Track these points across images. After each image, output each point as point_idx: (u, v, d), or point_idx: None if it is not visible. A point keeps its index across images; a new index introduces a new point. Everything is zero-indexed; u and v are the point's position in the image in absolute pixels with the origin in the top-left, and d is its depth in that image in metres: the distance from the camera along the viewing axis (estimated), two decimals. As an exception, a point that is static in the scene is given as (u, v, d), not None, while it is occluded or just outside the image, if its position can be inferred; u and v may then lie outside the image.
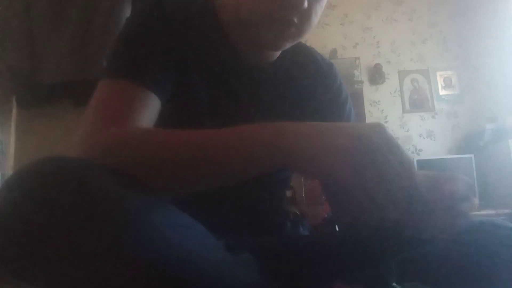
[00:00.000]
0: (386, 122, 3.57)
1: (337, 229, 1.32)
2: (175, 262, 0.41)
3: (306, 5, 0.66)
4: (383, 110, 3.60)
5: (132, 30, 0.72)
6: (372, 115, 3.57)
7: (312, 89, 0.84)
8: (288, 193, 2.41)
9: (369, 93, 3.61)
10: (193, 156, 0.51)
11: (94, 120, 0.61)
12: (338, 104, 0.87)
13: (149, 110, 0.65)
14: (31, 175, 0.43)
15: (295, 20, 0.67)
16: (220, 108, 0.74)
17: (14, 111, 1.59)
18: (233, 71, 0.76)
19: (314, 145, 0.46)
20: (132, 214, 0.42)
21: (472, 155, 3.22)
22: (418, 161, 3.25)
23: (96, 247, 0.39)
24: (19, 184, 0.43)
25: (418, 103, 3.61)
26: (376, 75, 3.61)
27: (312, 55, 0.88)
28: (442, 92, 3.61)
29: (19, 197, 0.41)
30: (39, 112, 1.60)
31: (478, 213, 2.91)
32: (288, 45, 0.73)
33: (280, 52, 0.80)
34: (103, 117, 0.61)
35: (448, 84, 3.62)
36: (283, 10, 0.66)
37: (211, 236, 0.49)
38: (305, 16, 0.68)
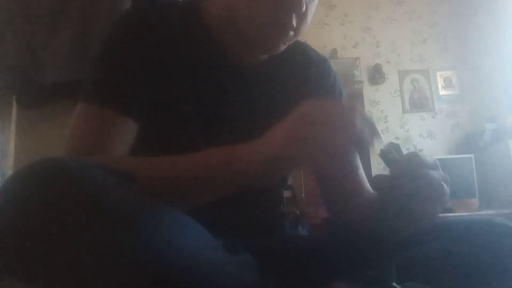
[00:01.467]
0: (386, 122, 3.58)
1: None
2: (175, 262, 0.41)
3: (305, 8, 0.66)
4: (383, 110, 3.60)
5: (109, 47, 0.71)
6: (372, 115, 3.57)
7: (305, 87, 0.82)
8: (288, 193, 2.41)
9: (369, 93, 3.60)
10: (158, 184, 0.55)
11: (70, 146, 0.66)
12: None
13: (124, 135, 0.67)
14: (30, 176, 0.43)
15: (294, 23, 0.67)
16: (210, 112, 0.73)
17: (14, 111, 1.58)
18: (223, 73, 0.75)
19: (260, 149, 0.52)
20: (131, 214, 0.42)
21: (472, 155, 3.21)
22: (418, 161, 3.24)
23: (95, 247, 0.39)
24: (19, 185, 0.43)
25: (418, 103, 3.61)
26: (376, 75, 3.60)
27: (305, 51, 0.86)
28: (442, 92, 3.61)
29: (18, 198, 0.41)
30: (39, 112, 1.60)
31: (478, 213, 2.92)
32: (284, 47, 0.72)
33: None
34: (78, 145, 0.65)
35: (448, 84, 3.62)
36: (283, 15, 0.66)
37: (210, 236, 0.49)
38: (303, 18, 0.68)
